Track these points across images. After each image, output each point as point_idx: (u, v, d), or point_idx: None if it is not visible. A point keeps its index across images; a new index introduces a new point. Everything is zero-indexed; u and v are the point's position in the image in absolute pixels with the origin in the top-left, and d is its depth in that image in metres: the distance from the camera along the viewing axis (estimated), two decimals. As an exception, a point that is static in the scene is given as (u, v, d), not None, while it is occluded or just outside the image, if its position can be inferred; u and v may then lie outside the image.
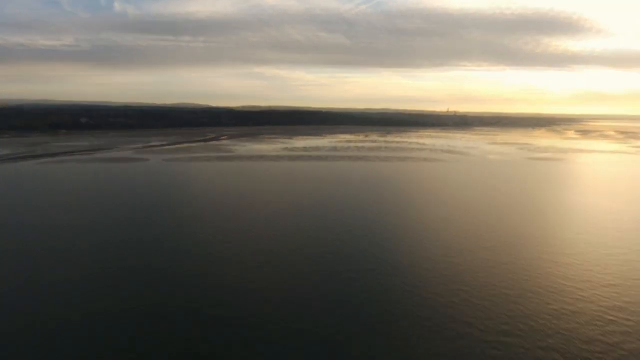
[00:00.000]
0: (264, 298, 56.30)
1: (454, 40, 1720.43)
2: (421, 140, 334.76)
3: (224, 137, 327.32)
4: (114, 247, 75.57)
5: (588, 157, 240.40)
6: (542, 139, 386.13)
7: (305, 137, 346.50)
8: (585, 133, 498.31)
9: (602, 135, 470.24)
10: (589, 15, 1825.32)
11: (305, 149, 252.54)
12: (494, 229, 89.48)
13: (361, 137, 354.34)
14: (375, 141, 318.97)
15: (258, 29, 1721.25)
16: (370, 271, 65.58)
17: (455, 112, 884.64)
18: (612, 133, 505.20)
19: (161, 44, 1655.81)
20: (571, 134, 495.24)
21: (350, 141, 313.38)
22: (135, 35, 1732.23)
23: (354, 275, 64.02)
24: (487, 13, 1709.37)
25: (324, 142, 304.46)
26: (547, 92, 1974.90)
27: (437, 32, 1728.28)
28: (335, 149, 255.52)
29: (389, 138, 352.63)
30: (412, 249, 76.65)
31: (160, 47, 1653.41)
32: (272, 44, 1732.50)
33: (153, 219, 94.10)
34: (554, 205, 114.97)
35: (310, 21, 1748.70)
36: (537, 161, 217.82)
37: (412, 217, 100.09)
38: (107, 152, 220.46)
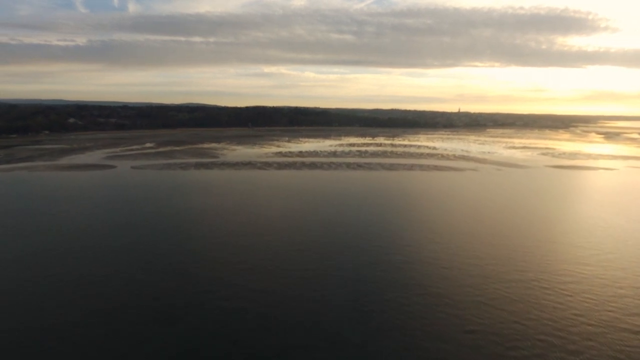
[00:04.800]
0: None
1: (464, 39, 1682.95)
2: (431, 144, 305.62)
3: (215, 140, 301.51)
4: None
5: (622, 166, 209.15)
6: (563, 142, 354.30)
7: (305, 140, 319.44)
8: (607, 135, 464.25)
9: (627, 138, 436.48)
10: (603, 14, 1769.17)
11: (300, 153, 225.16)
12: (533, 266, 61.43)
13: (366, 140, 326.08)
14: (380, 144, 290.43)
15: (268, 29, 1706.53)
16: None
17: (467, 111, 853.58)
18: (637, 135, 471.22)
19: (172, 44, 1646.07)
20: (593, 136, 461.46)
21: (353, 144, 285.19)
22: (147, 35, 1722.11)
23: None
24: (500, 12, 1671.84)
25: (324, 145, 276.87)
26: (560, 92, 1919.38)
27: (447, 31, 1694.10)
28: (334, 153, 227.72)
29: (396, 141, 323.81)
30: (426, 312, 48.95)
31: (171, 48, 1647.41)
32: (281, 44, 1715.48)
33: (69, 244, 67.66)
34: (605, 236, 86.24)
35: (320, 21, 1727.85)
36: (566, 170, 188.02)
37: (418, 257, 72.17)
38: (74, 158, 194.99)
